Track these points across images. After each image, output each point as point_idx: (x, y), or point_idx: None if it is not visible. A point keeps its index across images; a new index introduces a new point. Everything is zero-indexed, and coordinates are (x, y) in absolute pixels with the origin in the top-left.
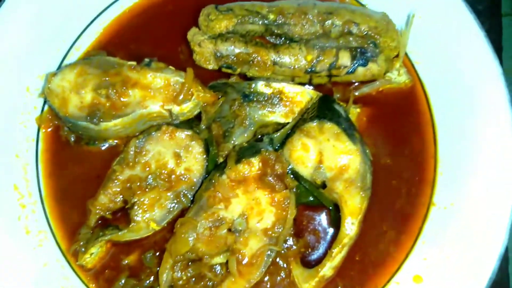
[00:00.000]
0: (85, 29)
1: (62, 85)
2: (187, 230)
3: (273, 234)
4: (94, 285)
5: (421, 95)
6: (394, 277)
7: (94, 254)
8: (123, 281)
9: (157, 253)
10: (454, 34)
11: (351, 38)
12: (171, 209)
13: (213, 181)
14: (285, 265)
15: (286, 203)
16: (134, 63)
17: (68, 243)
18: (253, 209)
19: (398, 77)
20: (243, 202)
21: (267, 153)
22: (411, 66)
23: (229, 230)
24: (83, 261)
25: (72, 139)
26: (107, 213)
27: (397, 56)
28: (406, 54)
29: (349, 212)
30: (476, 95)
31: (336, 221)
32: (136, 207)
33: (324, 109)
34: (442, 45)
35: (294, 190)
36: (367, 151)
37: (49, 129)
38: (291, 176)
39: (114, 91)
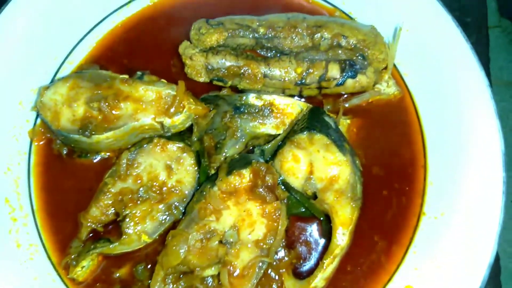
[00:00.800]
0: (78, 43)
1: (55, 99)
2: (179, 242)
3: (264, 246)
4: None
5: (410, 106)
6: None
7: (86, 267)
8: None
9: (149, 266)
10: (441, 46)
11: (340, 51)
12: (163, 221)
13: (204, 193)
14: (276, 277)
15: (277, 214)
16: (126, 76)
17: (60, 257)
18: (244, 220)
19: (387, 89)
20: (234, 213)
21: (257, 165)
22: (400, 77)
23: (220, 242)
24: (74, 274)
25: (65, 152)
26: (99, 225)
27: (385, 68)
28: (394, 66)
29: (340, 223)
30: (463, 106)
31: (327, 232)
32: (127, 220)
33: (314, 120)
34: (430, 57)
35: (285, 201)
36: (357, 161)
37: (41, 142)
38: (282, 187)
39: (106, 104)
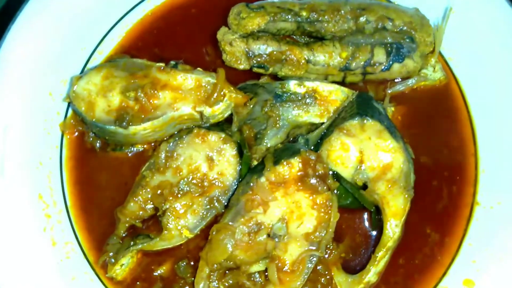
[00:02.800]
0: (108, 33)
1: (88, 89)
2: (225, 236)
3: (314, 239)
4: None
5: (457, 92)
6: (441, 282)
7: (125, 265)
8: None
9: (191, 263)
10: (489, 27)
11: (386, 34)
12: (205, 215)
13: (251, 184)
14: (326, 272)
15: (328, 205)
16: (162, 64)
17: (96, 255)
18: (293, 212)
19: (433, 74)
20: (283, 205)
21: (307, 153)
22: (445, 62)
23: (268, 235)
24: (113, 273)
25: (98, 145)
26: (137, 221)
27: (432, 52)
28: (439, 51)
29: (392, 214)
30: None
31: (377, 224)
32: (168, 214)
33: (363, 106)
34: (477, 40)
35: (336, 192)
36: (409, 149)
37: (74, 135)
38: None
39: (144, 93)
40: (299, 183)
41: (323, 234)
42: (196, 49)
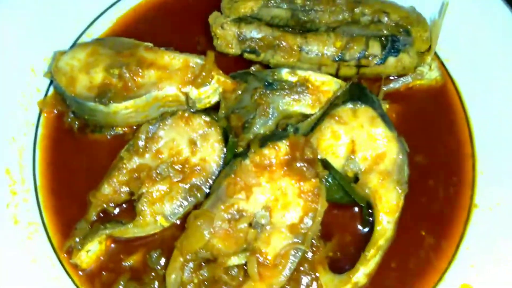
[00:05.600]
0: (99, 17)
1: (72, 64)
2: (202, 223)
3: (300, 231)
4: None
5: (453, 93)
6: (437, 287)
7: (92, 252)
8: (122, 285)
9: (165, 254)
10: (486, 28)
11: (382, 26)
12: (183, 203)
13: (235, 167)
14: (311, 272)
15: (316, 194)
16: (150, 44)
17: (62, 240)
18: (277, 201)
19: (430, 72)
20: (267, 192)
21: (295, 137)
22: (441, 64)
23: (250, 225)
24: (77, 259)
25: (76, 126)
26: (110, 205)
27: (428, 50)
28: (435, 52)
29: (384, 210)
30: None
31: (368, 221)
32: (143, 199)
33: (357, 93)
34: (473, 41)
35: (324, 182)
36: (404, 142)
37: (52, 115)
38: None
39: (128, 70)
40: (285, 168)
41: (309, 226)
42: (188, 38)
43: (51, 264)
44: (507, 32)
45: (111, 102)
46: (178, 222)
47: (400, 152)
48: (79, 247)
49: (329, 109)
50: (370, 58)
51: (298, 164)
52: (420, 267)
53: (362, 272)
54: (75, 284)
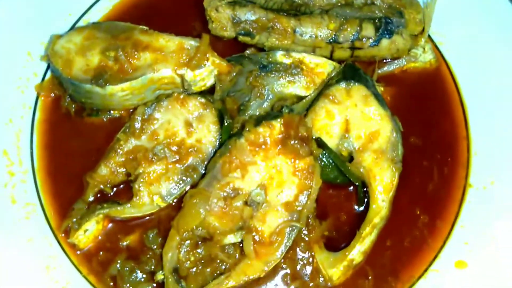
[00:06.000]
0: (95, 3)
1: (68, 47)
2: (198, 201)
3: (295, 209)
4: (85, 267)
5: (447, 76)
6: (432, 265)
7: (89, 231)
8: (119, 264)
9: (161, 234)
10: (479, 10)
11: (375, 8)
12: (179, 184)
13: (229, 146)
14: (306, 251)
15: (310, 171)
16: (146, 27)
17: (59, 221)
18: (272, 179)
19: (424, 55)
20: (262, 171)
21: (289, 115)
22: (435, 47)
23: (245, 203)
24: (75, 238)
25: (73, 110)
26: (107, 185)
27: (421, 32)
28: (428, 35)
29: (379, 189)
30: (506, 74)
31: (363, 200)
32: (140, 179)
33: (350, 73)
34: (466, 23)
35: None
36: (397, 121)
37: (49, 98)
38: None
39: (124, 53)
40: (280, 146)
41: (304, 203)
42: (183, 24)
43: (48, 243)
44: (499, 14)
45: (107, 84)
46: (173, 203)
47: (394, 130)
48: (76, 227)
49: (323, 89)
50: (363, 40)
51: (292, 142)
52: (415, 245)
53: (358, 249)
54: (73, 263)
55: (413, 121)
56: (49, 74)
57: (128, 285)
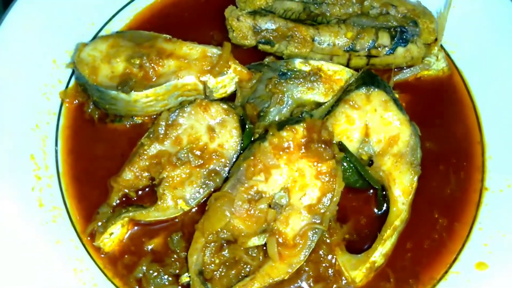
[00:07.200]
0: (117, 13)
1: (93, 55)
2: (223, 203)
3: (318, 211)
4: (111, 271)
5: (460, 83)
6: (452, 267)
7: (114, 235)
8: (144, 267)
9: (185, 237)
10: (489, 19)
11: (390, 18)
12: (203, 188)
13: (253, 150)
14: (328, 253)
15: (333, 174)
16: (169, 36)
17: (84, 225)
18: (296, 182)
19: (437, 63)
20: (285, 174)
21: (312, 120)
22: (447, 56)
23: (269, 206)
24: (100, 242)
25: (97, 116)
26: (131, 190)
27: (434, 41)
28: (440, 45)
29: (398, 192)
30: None
31: (383, 204)
32: (164, 183)
33: (370, 79)
34: (477, 32)
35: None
36: (415, 126)
37: (73, 105)
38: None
39: (149, 60)
40: (303, 150)
41: (326, 206)
42: (203, 34)
43: (74, 246)
44: (508, 23)
45: (132, 90)
46: (196, 207)
47: (412, 134)
48: (102, 230)
49: (343, 95)
50: (379, 49)
51: (315, 145)
52: (435, 248)
53: (380, 251)
54: (98, 267)
55: (428, 127)
56: (72, 81)
57: (153, 287)
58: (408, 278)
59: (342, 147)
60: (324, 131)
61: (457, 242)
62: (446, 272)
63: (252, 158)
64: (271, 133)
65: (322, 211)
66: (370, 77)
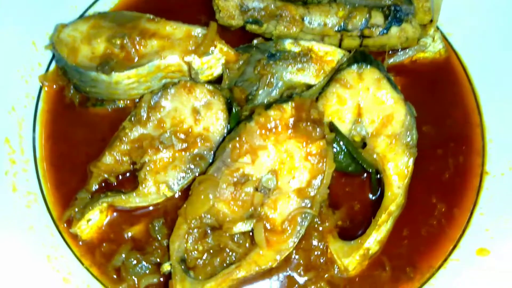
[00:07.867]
0: None
1: (73, 35)
2: (207, 187)
3: (308, 195)
4: (88, 259)
5: (458, 66)
6: (452, 255)
7: (92, 221)
8: (124, 255)
9: (168, 225)
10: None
11: None
12: (187, 173)
13: (239, 130)
14: (320, 241)
15: (323, 155)
16: (152, 16)
17: (61, 211)
18: (284, 164)
19: (433, 44)
20: (273, 155)
21: (301, 98)
22: (444, 38)
23: (256, 190)
24: (77, 228)
25: (77, 100)
26: (112, 175)
27: (430, 21)
28: (437, 27)
29: (393, 175)
30: None
31: (377, 188)
32: (146, 167)
33: (362, 57)
34: (474, 13)
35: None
36: (411, 106)
37: (54, 88)
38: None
39: (130, 40)
40: (291, 130)
41: (316, 188)
42: (191, 18)
43: (49, 233)
44: (507, 3)
45: (113, 71)
46: (180, 193)
47: (407, 113)
48: (79, 216)
49: (334, 74)
50: (373, 29)
51: (304, 124)
52: (433, 234)
53: (374, 238)
54: (75, 255)
55: (424, 111)
56: (53, 65)
57: (133, 276)
58: (405, 267)
59: (333, 127)
60: (314, 110)
61: (457, 228)
62: (445, 259)
63: (237, 139)
64: (258, 112)
65: (312, 194)
66: (363, 55)
